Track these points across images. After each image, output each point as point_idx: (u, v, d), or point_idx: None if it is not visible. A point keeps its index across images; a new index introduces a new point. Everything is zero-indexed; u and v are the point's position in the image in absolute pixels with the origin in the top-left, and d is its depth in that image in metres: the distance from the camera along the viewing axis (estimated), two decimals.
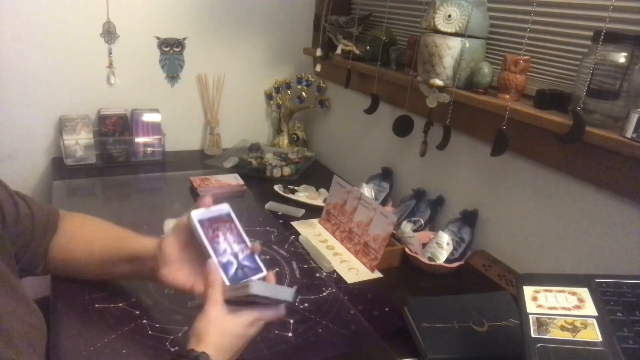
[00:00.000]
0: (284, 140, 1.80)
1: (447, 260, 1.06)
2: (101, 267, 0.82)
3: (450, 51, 1.04)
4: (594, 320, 0.57)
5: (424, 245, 1.11)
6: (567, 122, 0.85)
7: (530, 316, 0.60)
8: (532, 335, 0.57)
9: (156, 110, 1.58)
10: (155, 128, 1.56)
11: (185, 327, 0.79)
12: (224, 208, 0.74)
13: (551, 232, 0.98)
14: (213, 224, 0.71)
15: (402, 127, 1.26)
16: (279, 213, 1.28)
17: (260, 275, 0.71)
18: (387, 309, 0.92)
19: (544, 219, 0.99)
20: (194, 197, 1.35)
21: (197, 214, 0.70)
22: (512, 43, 1.08)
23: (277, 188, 1.39)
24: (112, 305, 0.83)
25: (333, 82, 1.70)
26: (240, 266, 0.70)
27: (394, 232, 1.10)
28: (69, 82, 1.48)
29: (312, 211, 1.29)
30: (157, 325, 0.80)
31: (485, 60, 1.08)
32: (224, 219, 0.73)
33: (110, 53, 1.50)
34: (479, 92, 1.05)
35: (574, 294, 0.62)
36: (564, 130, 0.85)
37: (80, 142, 1.46)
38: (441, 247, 1.06)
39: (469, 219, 1.13)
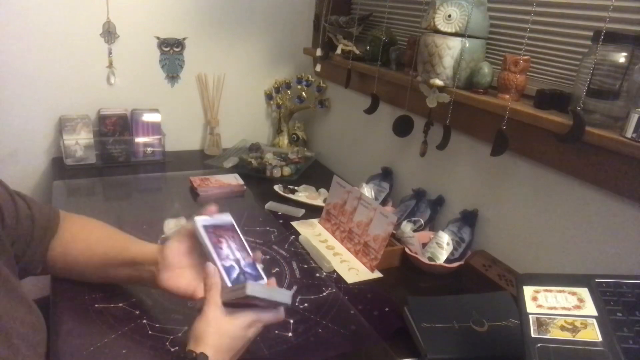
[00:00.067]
0: (284, 140, 1.80)
1: (447, 260, 1.06)
2: (101, 270, 0.82)
3: (450, 51, 1.04)
4: (594, 320, 0.57)
5: (424, 245, 1.11)
6: (567, 122, 0.85)
7: (530, 316, 0.60)
8: (532, 335, 0.58)
9: (156, 110, 1.58)
10: (155, 128, 1.56)
11: (185, 327, 0.79)
12: (227, 218, 0.76)
13: (551, 232, 0.98)
14: (216, 230, 0.73)
15: (402, 127, 1.26)
16: (279, 213, 1.28)
17: (260, 282, 0.72)
18: (387, 309, 0.92)
19: (544, 219, 0.99)
20: (194, 197, 1.35)
21: (201, 220, 0.72)
22: (512, 43, 1.08)
23: (277, 188, 1.39)
24: (112, 305, 0.83)
25: (333, 82, 1.70)
26: (242, 272, 0.71)
27: (394, 232, 1.10)
28: (69, 82, 1.48)
29: (312, 211, 1.29)
30: (157, 325, 0.80)
31: (485, 60, 1.08)
32: (227, 228, 0.75)
33: (110, 53, 1.50)
34: (479, 92, 1.05)
35: (574, 294, 0.62)
36: (564, 130, 0.85)
37: (80, 142, 1.46)
38: (441, 247, 1.06)
39: (469, 219, 1.13)
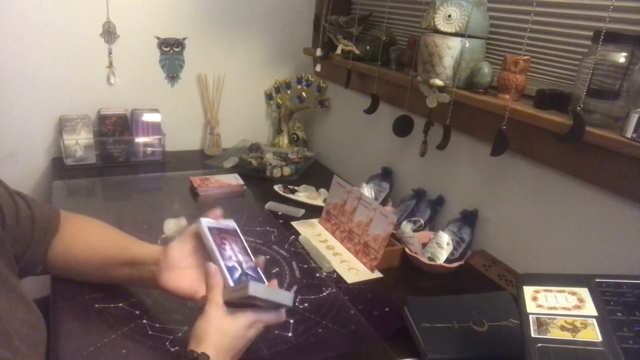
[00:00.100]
0: (284, 140, 1.80)
1: (447, 260, 1.06)
2: (101, 270, 0.82)
3: (450, 51, 1.04)
4: (594, 320, 0.57)
5: (424, 245, 1.11)
6: (567, 122, 0.85)
7: (530, 316, 0.60)
8: (532, 335, 0.58)
9: (156, 110, 1.58)
10: (155, 128, 1.56)
11: (185, 327, 0.79)
12: (231, 223, 0.77)
13: (551, 232, 0.98)
14: (220, 233, 0.74)
15: (402, 127, 1.26)
16: (279, 213, 1.28)
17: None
18: (387, 309, 0.92)
19: (544, 219, 0.99)
20: (194, 197, 1.35)
21: (206, 222, 0.73)
22: (512, 43, 1.08)
23: (277, 188, 1.39)
24: (112, 305, 0.83)
25: (333, 82, 1.70)
26: (244, 273, 0.71)
27: (394, 232, 1.10)
28: (69, 82, 1.48)
29: (312, 211, 1.29)
30: (157, 325, 0.80)
31: (485, 60, 1.08)
32: (231, 232, 0.76)
33: (110, 53, 1.50)
34: (479, 92, 1.05)
35: (574, 294, 0.62)
36: (564, 130, 0.85)
37: (80, 142, 1.46)
38: (441, 247, 1.06)
39: (469, 219, 1.13)
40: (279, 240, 1.14)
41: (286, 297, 0.67)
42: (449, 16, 1.03)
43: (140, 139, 1.54)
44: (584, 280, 0.63)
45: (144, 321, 0.81)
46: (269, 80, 1.79)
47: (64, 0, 1.39)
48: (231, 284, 0.68)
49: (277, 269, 1.02)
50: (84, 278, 0.85)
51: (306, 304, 0.91)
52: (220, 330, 0.64)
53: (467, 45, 1.03)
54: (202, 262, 0.72)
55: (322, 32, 1.60)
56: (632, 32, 0.83)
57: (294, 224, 1.22)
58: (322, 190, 1.38)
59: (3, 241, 0.68)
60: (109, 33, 1.48)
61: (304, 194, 1.37)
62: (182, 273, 0.74)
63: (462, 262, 1.06)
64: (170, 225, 1.11)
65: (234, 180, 1.43)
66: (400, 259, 1.08)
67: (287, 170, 1.53)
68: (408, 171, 1.37)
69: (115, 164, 1.51)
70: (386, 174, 1.40)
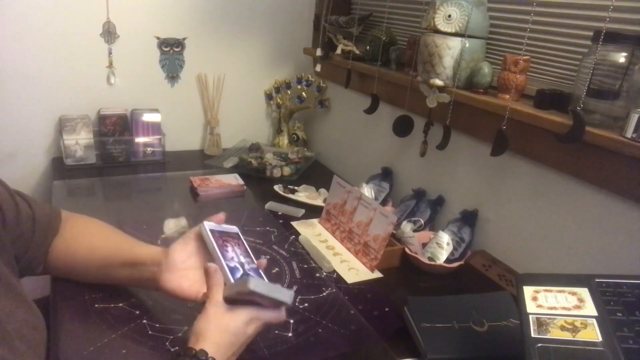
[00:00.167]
0: (284, 140, 1.80)
1: (447, 260, 1.06)
2: (102, 271, 0.82)
3: (450, 51, 1.04)
4: (594, 320, 0.57)
5: (424, 245, 1.11)
6: (567, 122, 0.85)
7: (530, 316, 0.60)
8: (532, 335, 0.57)
9: (156, 110, 1.58)
10: (155, 128, 1.56)
11: (185, 327, 0.79)
12: (234, 228, 0.78)
13: (551, 232, 0.98)
14: (223, 236, 0.75)
15: (402, 127, 1.26)
16: (279, 213, 1.28)
17: None
18: (387, 309, 0.92)
19: (544, 219, 0.99)
20: (194, 197, 1.35)
21: (209, 224, 0.74)
22: (512, 43, 1.08)
23: (277, 188, 1.39)
24: (112, 305, 0.83)
25: (333, 82, 1.70)
26: (246, 273, 0.71)
27: (394, 232, 1.10)
28: (69, 82, 1.48)
29: (312, 211, 1.29)
30: (157, 325, 0.80)
31: (485, 60, 1.08)
32: (233, 236, 0.77)
33: (110, 53, 1.50)
34: (479, 92, 1.05)
35: (574, 294, 0.62)
36: (564, 130, 0.85)
37: (80, 142, 1.46)
38: (441, 247, 1.06)
39: (469, 219, 1.13)
40: (279, 240, 1.14)
41: (286, 295, 0.67)
42: (449, 16, 1.03)
43: (140, 139, 1.54)
44: (584, 280, 0.63)
45: (144, 321, 0.81)
46: (269, 80, 1.79)
47: (64, 0, 1.39)
48: (232, 281, 0.68)
49: (277, 269, 1.02)
50: (85, 278, 0.85)
51: (306, 304, 0.91)
52: (220, 327, 0.64)
53: (467, 45, 1.03)
54: (204, 263, 0.72)
55: (322, 32, 1.60)
56: (632, 32, 0.83)
57: (294, 224, 1.22)
58: (322, 190, 1.38)
59: (3, 241, 0.68)
60: (109, 33, 1.48)
61: (304, 194, 1.37)
62: (183, 274, 0.74)
63: (462, 262, 1.06)
64: (170, 226, 1.11)
65: (234, 180, 1.43)
66: (400, 259, 1.08)
67: (287, 170, 1.53)
68: (408, 171, 1.37)
69: (115, 164, 1.51)
70: (386, 174, 1.40)
